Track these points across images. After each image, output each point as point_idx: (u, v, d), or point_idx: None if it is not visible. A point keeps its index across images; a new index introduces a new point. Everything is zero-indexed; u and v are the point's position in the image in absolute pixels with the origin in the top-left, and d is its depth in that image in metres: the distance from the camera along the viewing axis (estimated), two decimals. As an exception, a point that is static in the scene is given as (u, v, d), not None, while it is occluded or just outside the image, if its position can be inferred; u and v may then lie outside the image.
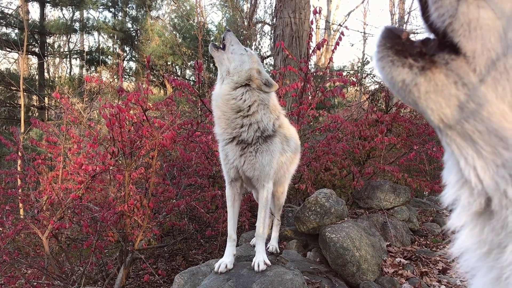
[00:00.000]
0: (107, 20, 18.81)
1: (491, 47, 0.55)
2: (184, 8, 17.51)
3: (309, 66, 5.07)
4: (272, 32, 13.49)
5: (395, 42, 0.63)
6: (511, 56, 0.55)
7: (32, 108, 15.97)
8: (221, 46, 2.93)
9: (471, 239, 0.67)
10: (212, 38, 15.50)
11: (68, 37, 18.48)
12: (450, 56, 0.59)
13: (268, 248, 3.47)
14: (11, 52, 16.06)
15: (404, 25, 23.93)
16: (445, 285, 3.62)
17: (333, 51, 5.19)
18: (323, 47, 5.14)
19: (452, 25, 0.58)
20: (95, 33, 18.54)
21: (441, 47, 0.60)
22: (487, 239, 0.63)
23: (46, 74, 16.62)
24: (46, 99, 15.22)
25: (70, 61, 19.28)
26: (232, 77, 2.82)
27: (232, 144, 2.85)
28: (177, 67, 17.60)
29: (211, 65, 15.36)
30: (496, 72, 0.56)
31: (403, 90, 0.63)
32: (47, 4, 15.94)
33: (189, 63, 15.68)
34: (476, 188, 0.62)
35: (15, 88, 14.17)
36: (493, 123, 0.57)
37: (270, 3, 16.81)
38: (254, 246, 3.25)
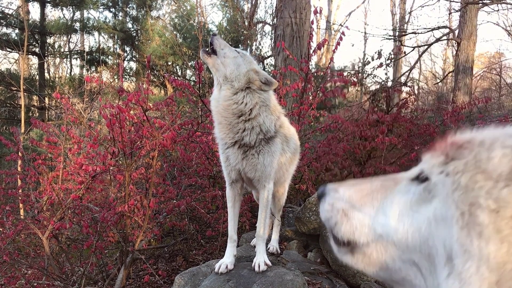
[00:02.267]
0: (107, 20, 18.81)
1: (367, 234, 0.92)
2: (184, 8, 17.52)
3: (310, 66, 5.06)
4: (273, 32, 13.50)
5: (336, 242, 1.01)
6: (378, 239, 0.90)
7: (32, 108, 15.97)
8: (210, 51, 2.82)
9: None
10: (212, 39, 15.47)
11: (69, 37, 18.49)
12: (352, 246, 0.95)
13: (268, 248, 3.46)
14: (11, 52, 16.07)
15: (405, 25, 23.92)
16: (446, 285, 3.61)
17: (334, 51, 5.18)
18: (323, 47, 5.14)
19: (340, 234, 0.97)
20: (96, 33, 18.53)
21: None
22: None
23: (46, 74, 16.62)
24: (46, 99, 15.22)
25: (70, 61, 19.29)
26: (232, 82, 2.75)
27: (234, 148, 2.81)
28: (177, 67, 17.61)
29: (212, 65, 15.34)
30: (373, 243, 0.91)
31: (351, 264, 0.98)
32: (48, 4, 15.95)
33: (189, 63, 15.68)
34: None
35: (15, 88, 14.18)
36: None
37: (271, 3, 16.82)
38: (254, 246, 3.24)
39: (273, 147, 2.83)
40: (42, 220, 4.33)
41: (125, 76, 18.29)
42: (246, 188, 3.24)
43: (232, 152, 2.82)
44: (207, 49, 2.82)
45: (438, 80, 25.60)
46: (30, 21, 15.14)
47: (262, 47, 15.44)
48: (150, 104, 4.51)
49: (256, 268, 2.76)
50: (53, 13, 19.13)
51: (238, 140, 2.79)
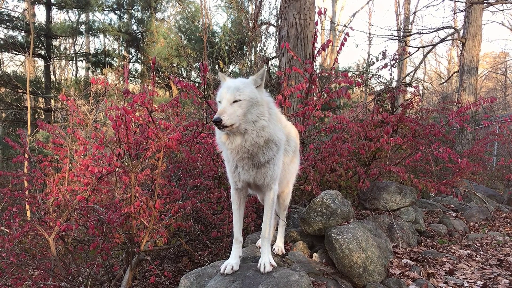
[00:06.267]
0: (112, 23, 18.92)
1: None
2: (189, 10, 17.57)
3: (314, 67, 5.06)
4: (277, 33, 13.47)
5: None
6: None
7: (38, 110, 16.07)
8: (221, 122, 2.43)
9: None
10: (217, 40, 15.52)
11: (74, 39, 18.62)
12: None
13: (274, 249, 3.47)
14: (17, 54, 16.20)
15: (410, 25, 23.84)
16: (451, 286, 3.59)
17: (338, 52, 5.17)
18: (328, 48, 5.13)
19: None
20: (101, 35, 18.65)
21: None
22: None
23: (52, 77, 16.73)
24: (52, 101, 15.31)
25: (76, 63, 19.42)
26: (255, 123, 2.60)
27: (247, 167, 2.76)
28: (182, 68, 17.65)
29: (216, 66, 15.39)
30: None
31: None
32: (53, 6, 16.06)
33: (194, 65, 15.71)
34: None
35: (21, 91, 14.27)
36: None
37: (275, 4, 16.82)
38: (259, 247, 3.25)
39: (279, 151, 2.83)
40: (48, 221, 4.36)
41: (130, 78, 18.36)
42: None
43: (245, 170, 2.77)
44: (221, 128, 2.49)
45: (443, 80, 25.50)
46: (36, 24, 15.24)
47: (266, 48, 15.42)
48: (155, 106, 4.53)
49: (262, 269, 2.76)
50: (59, 16, 19.31)
51: (254, 162, 2.74)
